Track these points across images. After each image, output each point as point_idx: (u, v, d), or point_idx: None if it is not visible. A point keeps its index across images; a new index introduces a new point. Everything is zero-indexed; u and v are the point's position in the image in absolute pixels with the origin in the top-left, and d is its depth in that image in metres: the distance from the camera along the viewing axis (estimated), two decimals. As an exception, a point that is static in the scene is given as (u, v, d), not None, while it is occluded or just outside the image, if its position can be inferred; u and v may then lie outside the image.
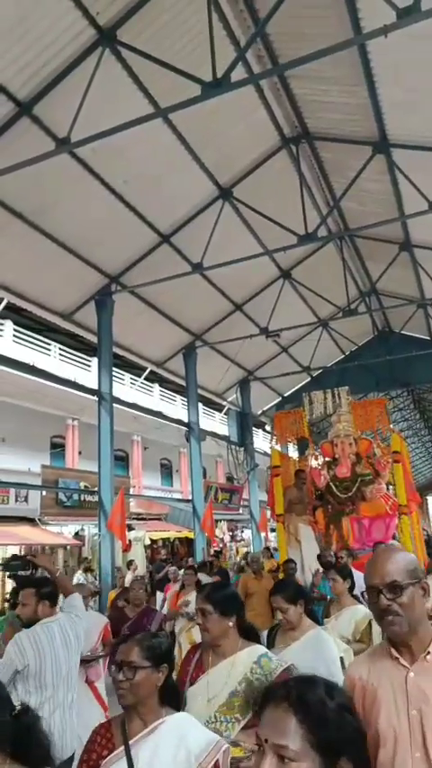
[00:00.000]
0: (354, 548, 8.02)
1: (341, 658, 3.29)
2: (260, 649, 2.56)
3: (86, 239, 10.73)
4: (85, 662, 4.74)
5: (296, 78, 9.45)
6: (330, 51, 6.33)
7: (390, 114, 9.38)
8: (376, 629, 4.01)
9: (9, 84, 7.67)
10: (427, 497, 53.78)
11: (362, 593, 5.93)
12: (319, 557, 6.75)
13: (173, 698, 2.15)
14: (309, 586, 6.89)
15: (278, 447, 9.88)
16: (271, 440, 10.05)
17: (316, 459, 9.47)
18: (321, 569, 7.23)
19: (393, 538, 8.20)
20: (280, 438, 9.91)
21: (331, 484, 8.47)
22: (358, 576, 6.04)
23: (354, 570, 6.21)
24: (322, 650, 2.99)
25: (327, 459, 8.97)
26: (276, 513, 8.51)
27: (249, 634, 2.64)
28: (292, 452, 17.46)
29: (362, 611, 4.30)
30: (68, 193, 9.71)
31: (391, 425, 9.65)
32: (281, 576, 7.23)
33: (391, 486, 8.81)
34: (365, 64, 8.38)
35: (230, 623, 2.55)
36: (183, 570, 8.57)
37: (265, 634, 3.77)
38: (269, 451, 9.92)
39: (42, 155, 7.42)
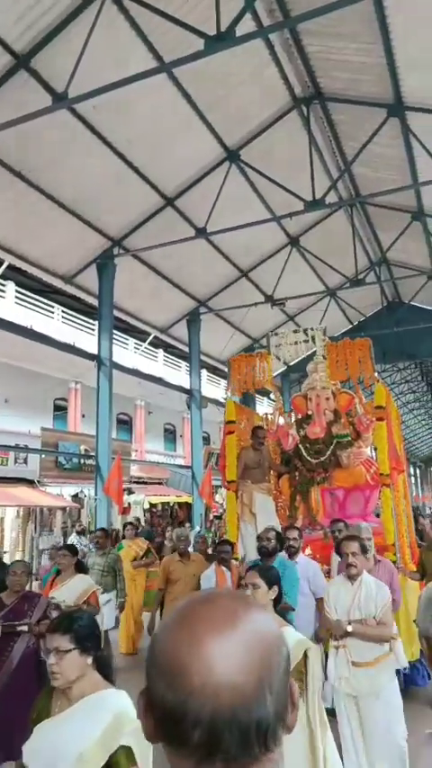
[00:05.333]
0: (324, 524, 6.62)
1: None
2: None
3: (88, 200, 10.47)
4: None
5: (309, 35, 8.99)
6: (343, 4, 5.94)
7: (406, 75, 8.95)
8: (314, 661, 2.73)
9: (5, 35, 7.34)
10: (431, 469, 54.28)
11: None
12: (258, 538, 5.00)
13: None
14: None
15: (235, 398, 7.91)
16: (227, 389, 7.79)
17: (283, 414, 7.85)
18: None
19: (376, 514, 6.88)
20: (238, 387, 7.83)
21: (301, 446, 6.90)
22: (313, 567, 4.96)
23: (307, 559, 5.18)
24: (96, 730, 1.83)
25: (299, 415, 7.40)
26: (227, 480, 6.77)
27: None
28: (265, 407, 16.62)
29: (293, 637, 2.74)
30: (69, 152, 9.42)
31: (376, 374, 7.56)
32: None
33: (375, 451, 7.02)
34: (382, 20, 7.94)
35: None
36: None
37: None
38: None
39: (40, 110, 7.13)
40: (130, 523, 8.79)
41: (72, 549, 5.18)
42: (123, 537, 8.53)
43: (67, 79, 7.10)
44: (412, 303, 17.91)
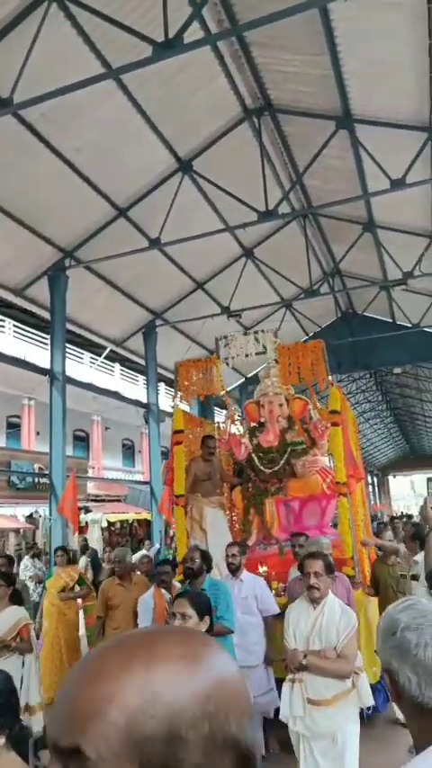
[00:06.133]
0: (279, 538, 6.27)
1: None
2: None
3: (37, 211, 10.19)
4: None
5: (258, 46, 9.04)
6: (289, 13, 5.93)
7: (353, 88, 9.09)
8: None
9: None
10: (388, 477, 55.11)
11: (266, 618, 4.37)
12: (183, 560, 4.59)
13: None
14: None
15: (184, 406, 7.50)
16: (174, 396, 7.59)
17: (235, 422, 7.58)
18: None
19: (334, 525, 6.56)
20: (186, 394, 7.35)
21: (254, 455, 6.58)
22: (260, 585, 4.71)
23: (253, 576, 4.88)
24: None
25: (252, 423, 7.11)
26: (176, 494, 6.26)
27: None
28: (223, 419, 16.54)
29: None
30: (16, 160, 9.15)
31: (330, 378, 7.26)
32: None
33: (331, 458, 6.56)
34: (329, 33, 8.04)
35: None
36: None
37: None
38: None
39: (-18, 116, 6.91)
40: (62, 548, 7.38)
41: (6, 578, 4.62)
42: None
43: (11, 84, 6.91)
44: (365, 314, 18.20)
